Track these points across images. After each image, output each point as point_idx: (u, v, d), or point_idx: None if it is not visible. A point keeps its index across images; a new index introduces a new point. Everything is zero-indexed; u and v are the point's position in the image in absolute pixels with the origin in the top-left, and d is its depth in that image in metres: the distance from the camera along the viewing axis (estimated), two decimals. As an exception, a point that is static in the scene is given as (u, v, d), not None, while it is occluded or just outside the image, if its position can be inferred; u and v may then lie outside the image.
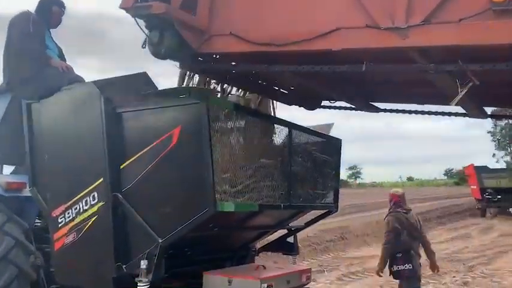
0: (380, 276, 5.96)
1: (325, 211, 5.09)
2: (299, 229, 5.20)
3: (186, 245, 3.98)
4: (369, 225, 18.28)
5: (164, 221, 3.56)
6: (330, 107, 5.50)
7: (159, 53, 3.49)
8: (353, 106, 5.37)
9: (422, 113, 4.83)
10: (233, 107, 3.56)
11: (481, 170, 24.82)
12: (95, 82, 3.80)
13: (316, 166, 4.81)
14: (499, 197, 23.25)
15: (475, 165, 25.20)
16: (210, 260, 4.44)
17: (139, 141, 3.66)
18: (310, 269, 4.57)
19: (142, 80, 3.84)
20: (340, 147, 5.28)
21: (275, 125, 4.17)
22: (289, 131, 4.28)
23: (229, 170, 3.58)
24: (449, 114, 4.71)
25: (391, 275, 5.76)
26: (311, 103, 5.42)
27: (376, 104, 5.11)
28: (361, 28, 2.90)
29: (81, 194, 3.86)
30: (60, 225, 3.99)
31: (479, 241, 15.65)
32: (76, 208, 3.90)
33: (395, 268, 5.65)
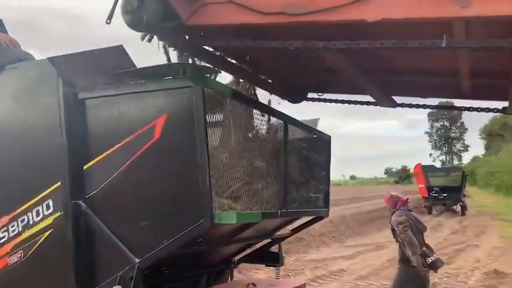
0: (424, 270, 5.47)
1: (315, 217, 4.51)
2: (284, 238, 4.59)
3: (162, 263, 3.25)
4: (324, 225, 18.04)
5: (142, 236, 2.82)
6: (318, 100, 4.94)
7: (139, 22, 2.74)
8: (347, 100, 4.85)
9: (446, 108, 4.43)
10: (231, 93, 2.88)
11: (428, 169, 25.52)
12: (50, 59, 2.97)
13: (309, 166, 4.22)
14: (445, 195, 24.00)
15: (422, 164, 25.92)
16: (187, 277, 3.74)
17: (110, 134, 2.89)
18: (305, 284, 3.98)
19: (116, 55, 3.04)
20: (330, 145, 4.74)
21: (272, 118, 3.53)
22: (285, 126, 3.66)
23: (224, 172, 2.90)
24: (470, 109, 4.27)
25: (428, 269, 5.44)
26: (296, 95, 4.83)
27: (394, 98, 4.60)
28: (406, -7, 2.31)
29: (31, 202, 3.03)
30: (2, 241, 3.14)
31: (434, 239, 15.75)
32: (23, 220, 3.07)
33: (429, 260, 5.39)
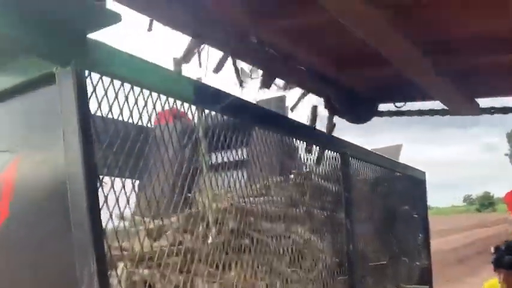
0: None
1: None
2: None
3: None
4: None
5: None
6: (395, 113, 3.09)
7: None
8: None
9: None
10: (193, 92, 1.14)
11: (522, 196, 22.08)
12: None
13: (400, 237, 2.36)
14: (546, 225, 20.42)
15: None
16: None
17: None
18: None
19: None
20: (425, 187, 2.86)
21: (325, 152, 1.75)
22: (344, 160, 1.85)
23: None
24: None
25: None
26: (364, 110, 3.00)
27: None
28: None
29: None
30: None
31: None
32: None
33: None
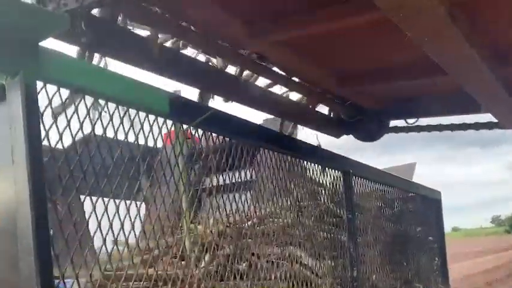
0: None
1: None
2: None
3: None
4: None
5: None
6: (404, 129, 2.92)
7: None
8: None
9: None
10: (167, 104, 1.05)
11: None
12: None
13: (413, 260, 2.21)
14: None
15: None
16: None
17: None
18: None
19: None
20: (441, 206, 2.71)
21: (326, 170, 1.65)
22: (346, 181, 1.74)
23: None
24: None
25: None
26: (374, 126, 2.87)
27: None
28: None
29: None
30: None
31: None
32: None
33: None
